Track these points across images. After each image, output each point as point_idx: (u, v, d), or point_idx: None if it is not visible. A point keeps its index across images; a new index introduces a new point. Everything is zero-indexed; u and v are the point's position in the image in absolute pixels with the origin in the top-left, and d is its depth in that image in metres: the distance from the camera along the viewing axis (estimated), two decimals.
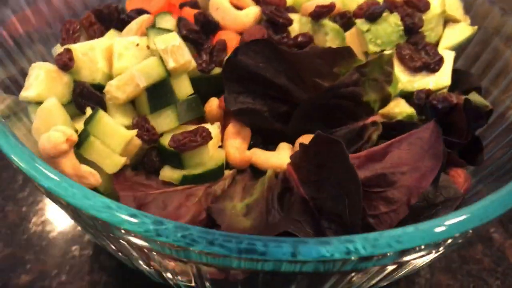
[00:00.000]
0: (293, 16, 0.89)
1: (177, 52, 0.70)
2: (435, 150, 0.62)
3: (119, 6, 0.84)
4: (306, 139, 0.74)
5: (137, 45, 0.74)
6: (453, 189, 0.69)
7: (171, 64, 0.70)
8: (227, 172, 0.73)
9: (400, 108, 0.80)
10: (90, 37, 0.80)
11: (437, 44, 0.88)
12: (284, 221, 0.63)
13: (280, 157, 0.73)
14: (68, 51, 0.72)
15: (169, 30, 0.77)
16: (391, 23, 0.82)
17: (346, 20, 0.88)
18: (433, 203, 0.68)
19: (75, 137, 0.63)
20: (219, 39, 0.82)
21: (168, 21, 0.84)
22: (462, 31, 0.89)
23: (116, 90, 0.70)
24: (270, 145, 0.76)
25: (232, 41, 0.85)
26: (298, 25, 0.88)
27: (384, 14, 0.83)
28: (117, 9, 0.84)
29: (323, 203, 0.63)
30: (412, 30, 0.83)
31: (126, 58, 0.73)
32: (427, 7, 0.85)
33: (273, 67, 0.72)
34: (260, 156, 0.73)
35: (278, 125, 0.75)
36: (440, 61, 0.81)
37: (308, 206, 0.63)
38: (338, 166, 0.61)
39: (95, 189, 0.66)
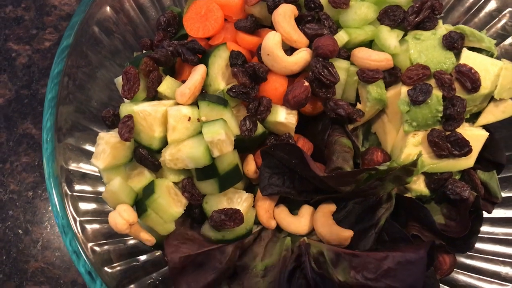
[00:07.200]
0: (342, 63, 0.90)
1: (221, 144, 0.80)
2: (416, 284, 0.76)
3: (175, 49, 0.88)
4: (325, 208, 0.88)
5: (189, 119, 0.83)
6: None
7: (216, 154, 0.81)
8: (254, 227, 0.90)
9: (417, 186, 0.90)
10: (149, 86, 0.87)
11: (477, 115, 0.90)
12: None
13: (300, 225, 0.88)
14: (129, 119, 0.82)
15: (218, 102, 0.83)
16: (432, 109, 0.84)
17: (393, 80, 0.89)
18: None
19: (135, 220, 0.80)
20: (265, 98, 0.88)
21: (223, 54, 0.90)
22: (505, 110, 0.89)
23: (169, 162, 0.83)
24: (295, 206, 0.90)
25: (278, 89, 0.90)
26: (345, 74, 0.90)
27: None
28: (173, 54, 0.88)
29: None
30: (450, 117, 0.85)
31: (179, 130, 0.83)
32: (476, 89, 0.85)
33: (302, 167, 0.81)
34: (283, 220, 0.89)
35: (302, 198, 0.88)
36: (467, 152, 0.85)
37: None
38: None
39: None
